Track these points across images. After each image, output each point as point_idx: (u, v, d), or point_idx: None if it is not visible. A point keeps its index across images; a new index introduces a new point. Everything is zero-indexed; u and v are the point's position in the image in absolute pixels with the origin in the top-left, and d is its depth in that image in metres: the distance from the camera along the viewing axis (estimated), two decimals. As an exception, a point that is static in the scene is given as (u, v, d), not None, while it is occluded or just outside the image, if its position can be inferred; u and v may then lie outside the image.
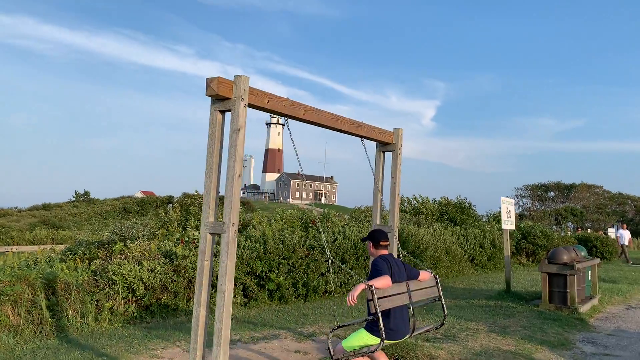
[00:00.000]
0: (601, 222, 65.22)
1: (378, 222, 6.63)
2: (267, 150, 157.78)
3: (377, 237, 5.06)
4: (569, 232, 28.24)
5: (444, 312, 5.48)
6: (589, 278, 10.59)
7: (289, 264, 11.03)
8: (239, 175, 4.22)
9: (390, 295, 4.70)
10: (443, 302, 5.48)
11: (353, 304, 4.51)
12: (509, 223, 11.41)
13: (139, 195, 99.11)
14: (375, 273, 4.79)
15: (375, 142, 6.64)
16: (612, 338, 7.74)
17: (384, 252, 5.06)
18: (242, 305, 10.17)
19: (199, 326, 4.30)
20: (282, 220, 13.30)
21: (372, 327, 4.75)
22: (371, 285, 4.43)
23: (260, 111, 4.91)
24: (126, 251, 10.29)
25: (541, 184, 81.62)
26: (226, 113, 4.38)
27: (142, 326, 8.37)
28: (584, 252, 10.83)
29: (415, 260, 13.93)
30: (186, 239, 11.59)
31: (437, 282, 5.49)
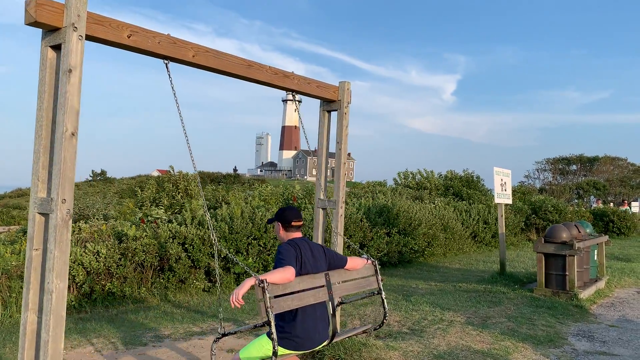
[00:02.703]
0: (625, 195, 62.97)
1: (321, 197, 5.48)
2: (283, 127, 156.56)
3: (288, 216, 3.92)
4: (600, 204, 26.34)
5: (384, 309, 4.36)
6: (595, 258, 9.33)
7: (259, 245, 9.98)
8: (73, 134, 3.11)
9: (296, 292, 3.60)
10: (383, 297, 4.38)
11: (238, 306, 3.43)
12: (503, 197, 10.14)
13: (155, 174, 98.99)
14: (276, 263, 3.68)
15: (319, 101, 5.46)
16: (614, 331, 6.53)
17: (296, 234, 3.94)
18: (203, 291, 9.17)
19: (27, 336, 3.24)
20: (259, 197, 12.22)
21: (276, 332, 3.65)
22: (263, 281, 3.32)
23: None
24: (75, 232, 9.36)
25: (563, 157, 79.26)
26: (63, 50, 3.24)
27: (78, 317, 7.41)
28: (589, 229, 9.55)
29: (406, 238, 12.69)
30: (148, 219, 10.60)
31: (376, 271, 4.37)
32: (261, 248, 9.97)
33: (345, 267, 4.12)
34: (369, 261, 4.38)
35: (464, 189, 21.16)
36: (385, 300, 4.35)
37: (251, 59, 4.39)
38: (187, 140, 3.70)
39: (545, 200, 19.90)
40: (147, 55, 3.71)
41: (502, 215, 10.24)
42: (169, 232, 9.22)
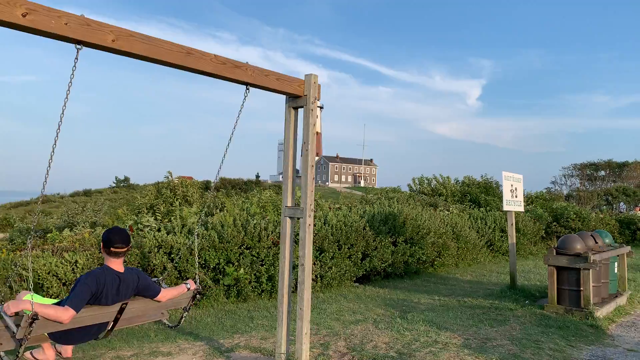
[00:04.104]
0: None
1: (289, 205, 4.85)
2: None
3: (111, 240, 3.91)
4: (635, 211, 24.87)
5: (179, 323, 4.63)
6: (615, 271, 8.48)
7: (252, 255, 9.39)
8: None
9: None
10: (184, 315, 4.54)
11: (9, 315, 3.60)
12: (514, 203, 9.34)
13: (176, 180, 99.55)
14: (69, 294, 3.72)
15: (284, 96, 4.84)
16: (632, 356, 5.73)
17: (115, 262, 3.96)
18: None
19: None
20: (257, 204, 11.65)
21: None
22: (34, 316, 3.34)
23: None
24: (57, 241, 8.93)
25: (591, 163, 77.33)
26: None
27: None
28: (608, 239, 8.69)
29: (413, 247, 11.94)
30: (138, 226, 10.12)
31: (193, 297, 4.50)
32: (254, 258, 9.38)
33: (157, 298, 4.16)
34: (191, 289, 4.39)
35: (482, 195, 20.26)
36: (184, 318, 4.53)
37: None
38: (56, 139, 3.16)
39: (567, 207, 18.88)
40: (53, 39, 3.16)
41: (512, 224, 9.44)
42: (154, 241, 8.70)
